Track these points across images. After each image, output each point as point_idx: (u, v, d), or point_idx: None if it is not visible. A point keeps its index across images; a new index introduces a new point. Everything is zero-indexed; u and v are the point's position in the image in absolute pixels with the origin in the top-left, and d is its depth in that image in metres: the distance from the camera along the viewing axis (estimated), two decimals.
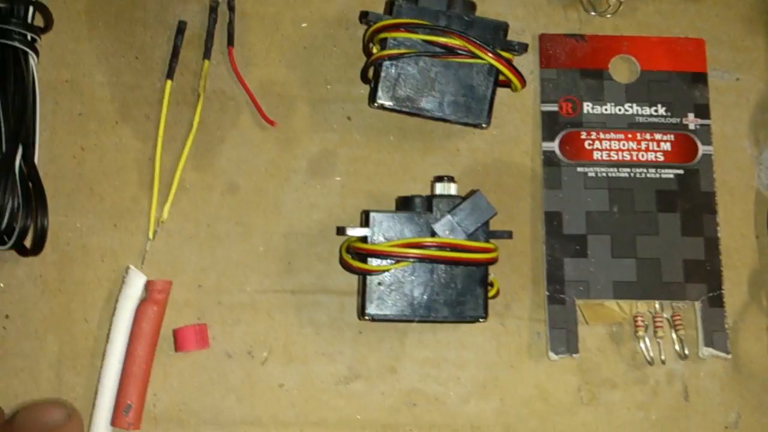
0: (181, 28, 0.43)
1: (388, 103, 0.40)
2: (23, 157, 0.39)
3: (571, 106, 0.43)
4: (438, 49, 0.39)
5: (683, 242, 0.42)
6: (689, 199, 0.42)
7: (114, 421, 0.38)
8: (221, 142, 0.42)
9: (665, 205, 0.42)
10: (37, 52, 0.41)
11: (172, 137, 0.42)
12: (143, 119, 0.42)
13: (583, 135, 0.43)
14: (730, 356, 0.41)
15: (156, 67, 0.43)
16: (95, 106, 0.42)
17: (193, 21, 0.43)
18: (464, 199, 0.38)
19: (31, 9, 0.40)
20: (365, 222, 0.38)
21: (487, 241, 0.38)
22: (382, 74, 0.40)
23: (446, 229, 0.38)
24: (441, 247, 0.38)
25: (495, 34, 0.40)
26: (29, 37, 0.40)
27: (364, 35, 0.41)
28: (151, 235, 0.41)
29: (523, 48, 0.41)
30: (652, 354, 0.41)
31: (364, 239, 0.38)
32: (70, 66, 0.43)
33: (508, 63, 0.40)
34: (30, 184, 0.39)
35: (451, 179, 0.39)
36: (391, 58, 0.39)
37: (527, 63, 0.44)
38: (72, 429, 0.37)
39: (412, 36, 0.39)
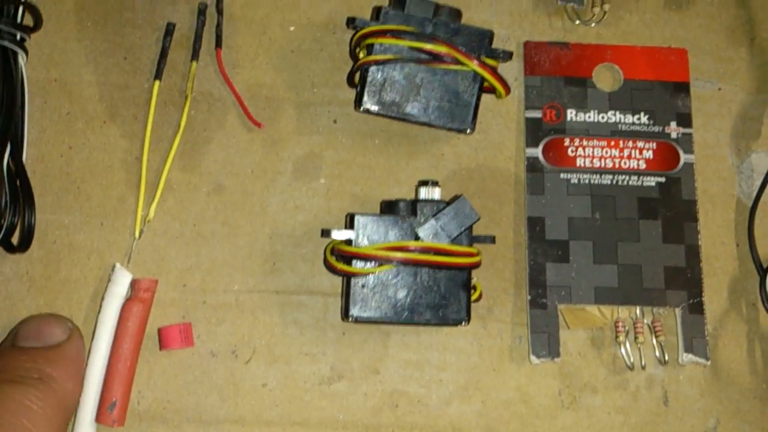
0: (170, 29, 0.43)
1: (373, 108, 0.40)
2: (11, 155, 0.39)
3: (554, 113, 0.44)
4: (424, 56, 0.40)
5: (664, 249, 0.42)
6: (671, 206, 0.43)
7: (99, 418, 0.38)
8: (208, 143, 0.43)
9: (647, 212, 0.43)
10: (26, 51, 0.41)
11: (159, 137, 0.42)
12: (131, 119, 0.43)
13: (567, 142, 0.43)
14: (709, 362, 0.42)
15: (144, 67, 0.43)
16: (83, 105, 0.43)
17: (182, 23, 0.44)
18: (448, 203, 0.39)
19: (20, 8, 0.41)
20: (350, 225, 0.39)
21: (470, 245, 0.39)
22: (368, 79, 0.40)
23: (430, 233, 0.38)
24: (424, 250, 0.38)
25: (480, 42, 0.40)
26: (18, 37, 0.40)
27: (351, 40, 0.41)
28: (137, 234, 0.41)
29: (507, 56, 0.41)
30: (632, 359, 0.42)
31: (348, 242, 0.39)
32: (59, 65, 0.43)
33: (493, 70, 0.40)
34: (18, 182, 0.39)
35: (435, 183, 0.40)
36: (377, 63, 0.40)
37: (512, 70, 0.44)
38: (73, 349, 0.38)
39: (398, 42, 0.39)
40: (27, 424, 0.34)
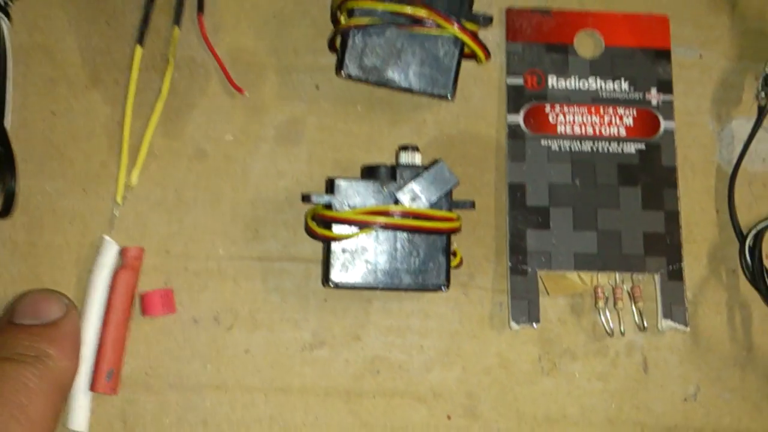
0: None
1: (354, 72, 0.40)
2: None
3: (536, 80, 0.44)
4: (404, 20, 0.40)
5: (644, 216, 0.42)
6: (650, 173, 0.43)
7: (95, 386, 0.39)
8: (190, 109, 0.43)
9: (627, 178, 0.43)
10: (9, 17, 0.41)
11: (141, 103, 0.42)
12: (113, 84, 0.43)
13: (548, 108, 0.43)
14: (688, 329, 0.42)
15: (127, 33, 0.43)
16: (66, 70, 0.43)
17: None
18: (427, 168, 0.39)
19: None
20: (330, 189, 0.39)
21: (450, 210, 0.39)
22: (349, 44, 0.40)
23: (409, 197, 0.38)
24: (404, 215, 0.38)
25: (460, 6, 0.41)
26: (1, 2, 0.40)
27: (332, 4, 0.41)
28: (119, 201, 0.41)
29: (487, 20, 0.41)
30: (611, 325, 0.42)
31: (328, 206, 0.39)
32: (42, 31, 0.43)
33: (473, 35, 0.40)
34: (0, 148, 0.39)
35: (415, 148, 0.40)
36: (357, 27, 0.40)
37: (493, 36, 0.44)
38: (70, 326, 0.38)
39: (378, 5, 0.40)
40: (24, 402, 0.34)
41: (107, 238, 0.40)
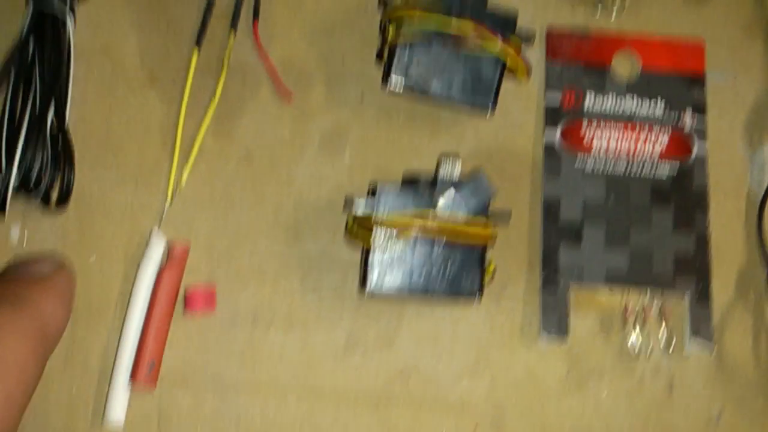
0: (211, 0, 0.45)
1: (399, 89, 0.42)
2: (56, 114, 0.41)
3: (573, 99, 0.45)
4: (450, 37, 0.41)
5: (675, 236, 0.43)
6: (683, 195, 0.44)
7: (136, 376, 0.39)
8: (240, 113, 0.44)
9: (659, 199, 0.44)
10: (74, 18, 0.43)
11: (195, 104, 0.44)
12: (170, 84, 0.44)
13: (584, 127, 0.45)
14: (715, 352, 0.43)
15: (185, 36, 0.45)
16: (125, 70, 0.44)
17: None
18: (467, 178, 0.40)
19: None
20: (372, 194, 0.40)
21: (486, 221, 0.40)
22: (396, 58, 0.42)
23: (448, 205, 0.40)
24: (442, 222, 0.39)
25: (505, 23, 0.42)
26: (68, 6, 0.42)
27: (382, 15, 0.43)
28: (169, 197, 0.43)
29: (531, 37, 0.43)
30: (639, 345, 0.42)
31: (369, 210, 0.40)
32: (105, 32, 0.45)
33: (516, 51, 0.42)
34: (60, 142, 0.41)
35: (456, 157, 0.41)
36: (404, 42, 0.41)
37: (533, 55, 0.46)
38: (60, 281, 0.38)
39: (427, 20, 0.41)
40: None
41: (157, 229, 0.42)
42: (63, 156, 0.41)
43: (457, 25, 0.41)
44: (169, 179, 0.43)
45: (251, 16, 0.45)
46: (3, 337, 0.33)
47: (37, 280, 0.37)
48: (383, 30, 0.43)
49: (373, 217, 0.39)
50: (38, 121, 0.40)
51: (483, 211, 0.40)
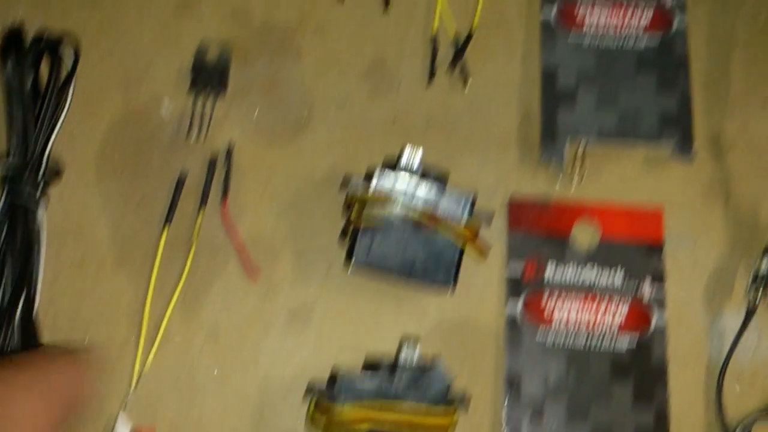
0: (182, 178, 0.46)
1: (362, 265, 0.43)
2: (24, 301, 0.42)
3: (535, 269, 0.46)
4: (410, 222, 0.43)
5: (635, 412, 0.44)
6: (642, 368, 0.44)
7: None
8: (207, 291, 0.45)
9: (619, 373, 0.44)
10: (47, 203, 0.44)
11: (163, 282, 0.45)
12: (139, 265, 0.45)
13: (545, 298, 0.45)
14: None
15: (155, 216, 0.46)
16: (95, 251, 0.46)
17: (194, 171, 0.47)
18: (425, 367, 0.41)
19: (44, 164, 0.44)
20: (332, 381, 0.41)
21: (448, 405, 0.41)
22: (357, 241, 0.43)
23: (408, 394, 0.40)
24: (401, 414, 0.40)
25: (464, 205, 0.43)
26: (38, 195, 0.44)
27: (345, 196, 0.44)
28: (134, 382, 0.44)
29: (489, 220, 0.44)
30: None
31: (330, 398, 0.40)
32: (76, 214, 0.46)
33: (474, 235, 0.43)
34: (27, 330, 0.42)
35: (415, 342, 0.42)
36: (367, 225, 0.43)
37: (496, 224, 0.46)
38: (82, 355, 0.38)
39: (389, 207, 0.42)
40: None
41: (122, 414, 0.43)
42: (29, 345, 0.42)
43: (416, 215, 0.42)
44: (134, 363, 0.44)
45: (221, 193, 0.46)
46: (18, 397, 0.33)
47: (58, 352, 0.38)
48: (348, 207, 0.44)
49: (332, 407, 0.40)
50: (7, 312, 0.41)
51: (442, 399, 0.41)
